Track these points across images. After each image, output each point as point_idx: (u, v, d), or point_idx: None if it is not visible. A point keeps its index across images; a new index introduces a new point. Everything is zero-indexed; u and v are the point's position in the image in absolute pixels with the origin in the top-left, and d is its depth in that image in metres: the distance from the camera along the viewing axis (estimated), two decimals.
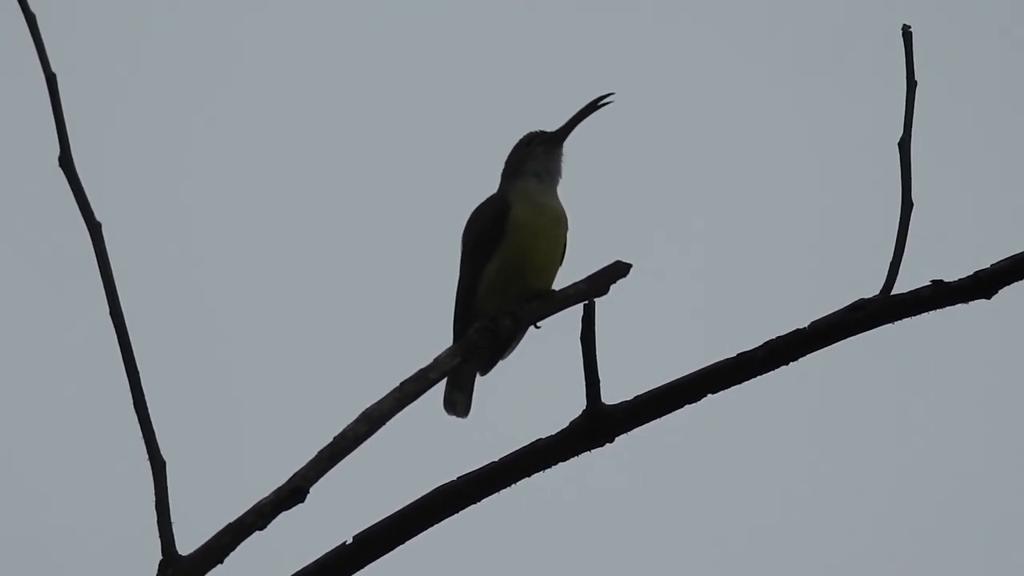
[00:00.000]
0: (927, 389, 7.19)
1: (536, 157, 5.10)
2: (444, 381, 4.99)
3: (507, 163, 5.14)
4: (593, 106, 5.04)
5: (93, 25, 7.92)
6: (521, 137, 5.15)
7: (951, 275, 3.92)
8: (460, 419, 5.06)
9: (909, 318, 3.96)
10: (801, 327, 3.97)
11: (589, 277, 4.75)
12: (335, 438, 4.32)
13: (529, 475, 4.00)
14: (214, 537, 4.13)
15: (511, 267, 4.94)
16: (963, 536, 7.18)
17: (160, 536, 4.08)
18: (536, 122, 5.16)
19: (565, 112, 5.10)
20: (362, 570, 3.98)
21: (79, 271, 4.40)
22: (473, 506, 4.00)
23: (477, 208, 5.09)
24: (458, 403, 5.05)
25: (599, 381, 4.00)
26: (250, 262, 7.83)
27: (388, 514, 3.99)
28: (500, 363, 5.06)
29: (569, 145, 5.11)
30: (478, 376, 5.07)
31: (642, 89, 7.35)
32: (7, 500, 7.11)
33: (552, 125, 5.11)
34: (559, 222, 5.02)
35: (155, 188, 7.89)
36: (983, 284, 3.90)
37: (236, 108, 8.21)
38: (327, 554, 3.97)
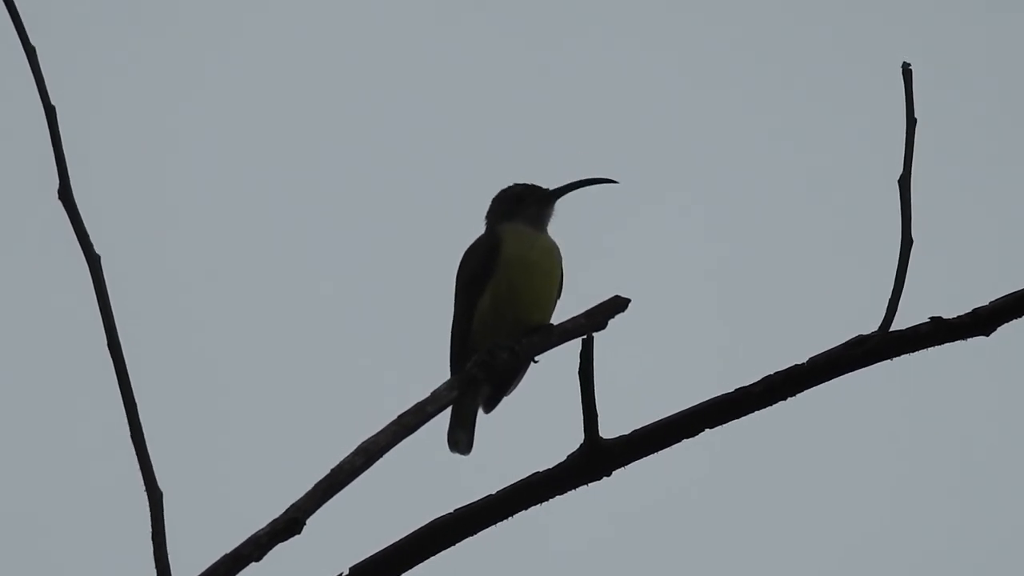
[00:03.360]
0: (926, 425, 7.18)
1: (528, 208, 5.11)
2: (448, 419, 5.00)
3: (495, 210, 5.16)
4: (595, 181, 5.08)
5: (93, 58, 7.94)
6: (510, 186, 5.16)
7: (950, 312, 3.92)
8: (463, 456, 5.06)
9: (908, 354, 3.96)
10: (799, 363, 3.96)
11: (587, 312, 4.75)
12: (332, 470, 4.31)
13: (526, 508, 3.99)
14: (210, 568, 4.11)
15: (503, 301, 4.95)
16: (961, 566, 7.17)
17: (156, 567, 4.07)
18: (521, 159, 5.18)
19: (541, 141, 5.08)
20: None
21: (78, 303, 4.40)
22: (470, 539, 3.99)
23: (470, 247, 5.11)
24: (460, 441, 5.05)
25: (597, 415, 4.00)
26: (249, 293, 7.84)
27: (384, 547, 3.98)
28: (504, 400, 5.06)
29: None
30: (483, 414, 5.07)
31: (635, 123, 7.37)
32: (5, 530, 7.09)
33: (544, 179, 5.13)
34: (550, 254, 5.03)
35: (154, 221, 7.90)
36: (982, 321, 3.90)
37: (235, 141, 8.22)
38: None
